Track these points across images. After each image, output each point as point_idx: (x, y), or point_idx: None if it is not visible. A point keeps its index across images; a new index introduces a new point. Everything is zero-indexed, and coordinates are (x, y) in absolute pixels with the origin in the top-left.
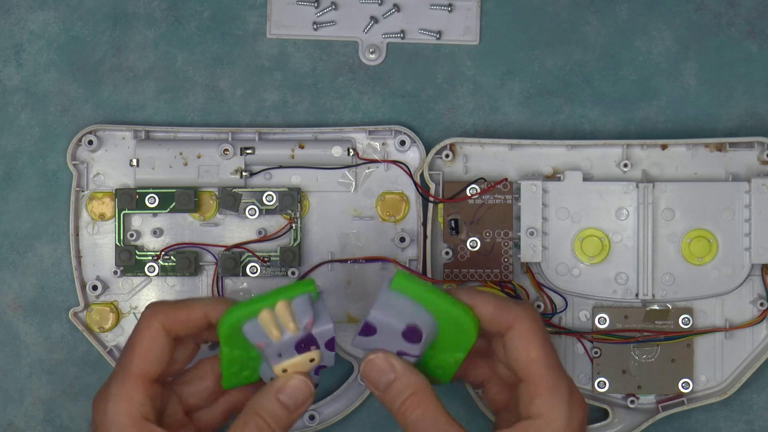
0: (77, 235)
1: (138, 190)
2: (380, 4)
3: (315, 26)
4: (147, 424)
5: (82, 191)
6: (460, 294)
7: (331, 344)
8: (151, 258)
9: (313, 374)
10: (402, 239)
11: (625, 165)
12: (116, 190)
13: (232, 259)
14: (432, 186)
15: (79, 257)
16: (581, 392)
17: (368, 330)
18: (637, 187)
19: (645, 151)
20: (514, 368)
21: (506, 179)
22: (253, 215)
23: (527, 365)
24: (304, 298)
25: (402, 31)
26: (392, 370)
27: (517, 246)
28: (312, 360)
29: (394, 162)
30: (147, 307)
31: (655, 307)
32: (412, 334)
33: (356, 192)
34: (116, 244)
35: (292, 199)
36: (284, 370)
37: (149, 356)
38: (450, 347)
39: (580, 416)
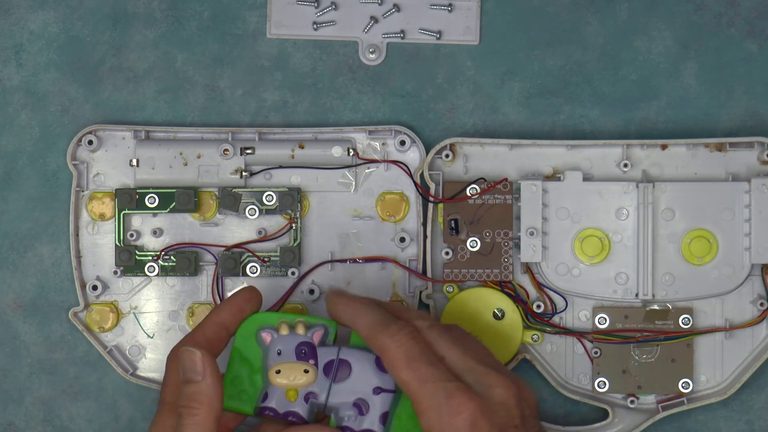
0: (77, 235)
1: (138, 190)
2: (380, 4)
3: (315, 26)
4: None
5: (82, 191)
6: (339, 306)
7: (327, 372)
8: (151, 258)
9: (303, 401)
10: (402, 239)
11: (625, 165)
12: (116, 190)
13: (232, 259)
14: (432, 186)
15: (79, 257)
16: (537, 390)
17: (343, 368)
18: (637, 187)
19: (645, 151)
20: None
21: (506, 179)
22: (253, 215)
23: (402, 386)
24: (322, 326)
25: (402, 31)
26: None
27: (517, 246)
28: (306, 372)
29: (394, 162)
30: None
31: (655, 307)
32: (380, 363)
33: (356, 192)
34: (116, 244)
35: (292, 199)
36: (278, 371)
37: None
38: None
39: (469, 414)
